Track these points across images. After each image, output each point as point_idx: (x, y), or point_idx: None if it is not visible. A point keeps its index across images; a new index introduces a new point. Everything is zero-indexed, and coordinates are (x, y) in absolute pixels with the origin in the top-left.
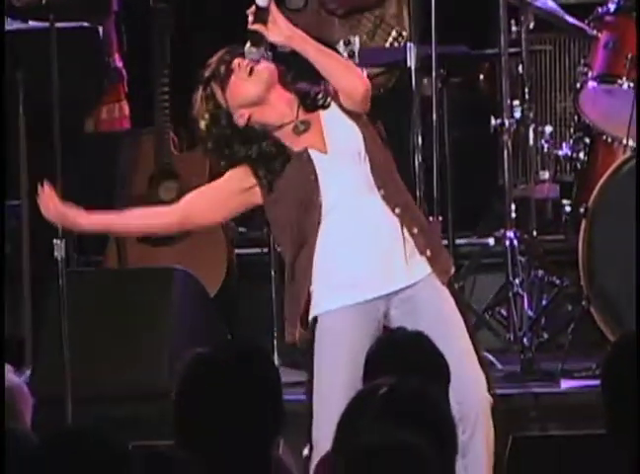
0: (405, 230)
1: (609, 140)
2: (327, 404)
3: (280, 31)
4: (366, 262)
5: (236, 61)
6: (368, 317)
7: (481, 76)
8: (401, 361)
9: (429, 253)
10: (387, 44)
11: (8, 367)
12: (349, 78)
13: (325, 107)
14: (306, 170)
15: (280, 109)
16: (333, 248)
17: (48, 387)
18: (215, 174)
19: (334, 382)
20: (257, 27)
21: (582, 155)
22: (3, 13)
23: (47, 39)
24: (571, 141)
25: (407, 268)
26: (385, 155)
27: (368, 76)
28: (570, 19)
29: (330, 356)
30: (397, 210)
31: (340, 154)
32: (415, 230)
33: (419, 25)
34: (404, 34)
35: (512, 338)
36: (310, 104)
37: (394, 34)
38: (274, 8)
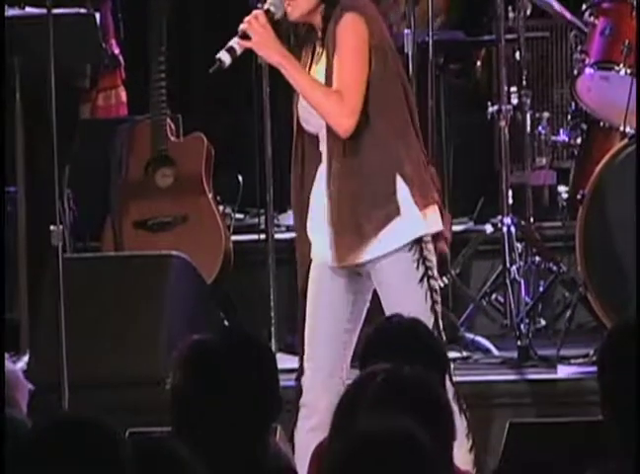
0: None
1: (607, 127)
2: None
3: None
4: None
5: None
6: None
7: (478, 63)
8: (397, 348)
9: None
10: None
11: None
12: (331, 121)
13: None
14: None
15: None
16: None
17: (45, 373)
18: (211, 160)
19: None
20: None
21: (579, 142)
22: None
23: (44, 24)
24: (568, 128)
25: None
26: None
27: None
28: (557, 7)
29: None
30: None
31: None
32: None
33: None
34: (441, 15)
35: (508, 324)
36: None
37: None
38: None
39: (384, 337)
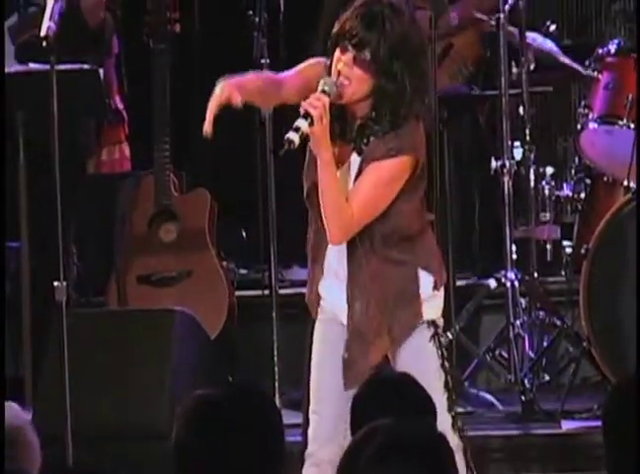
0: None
1: (610, 181)
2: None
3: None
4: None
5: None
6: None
7: (481, 117)
8: (389, 401)
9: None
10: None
11: (15, 406)
12: (329, 227)
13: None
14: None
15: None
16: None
17: (49, 427)
18: (214, 215)
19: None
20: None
21: (583, 196)
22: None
23: (48, 80)
24: (572, 182)
25: None
26: None
27: None
28: (565, 59)
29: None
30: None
31: None
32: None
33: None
34: (470, 66)
35: (512, 379)
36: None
37: (461, 63)
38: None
39: (376, 390)
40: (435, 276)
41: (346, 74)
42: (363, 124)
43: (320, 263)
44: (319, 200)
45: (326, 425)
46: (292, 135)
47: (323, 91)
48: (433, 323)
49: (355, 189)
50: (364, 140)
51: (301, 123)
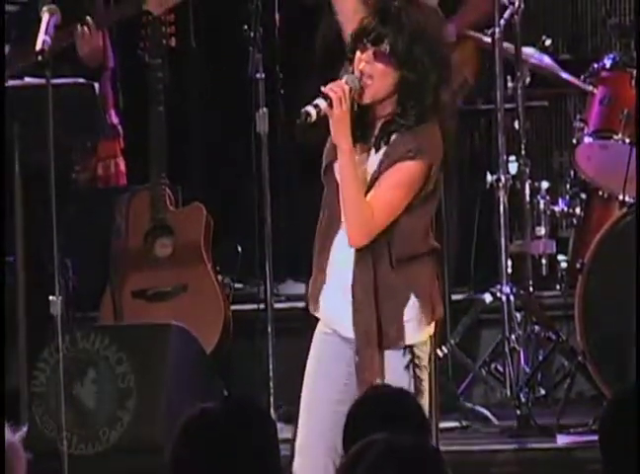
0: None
1: (606, 196)
2: None
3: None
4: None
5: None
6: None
7: (477, 131)
8: (383, 416)
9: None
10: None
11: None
12: (348, 227)
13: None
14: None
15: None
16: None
17: (45, 442)
18: (210, 230)
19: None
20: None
21: (578, 211)
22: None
23: (43, 94)
24: (567, 197)
25: None
26: None
27: None
28: (565, 75)
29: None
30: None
31: None
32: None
33: None
34: (469, 80)
35: (508, 393)
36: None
37: (460, 79)
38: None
39: (371, 405)
40: (424, 309)
41: (368, 72)
42: (388, 121)
43: (325, 257)
44: (336, 178)
45: (312, 437)
46: (310, 109)
47: (346, 83)
48: (410, 349)
49: (374, 190)
50: (385, 138)
51: (320, 102)
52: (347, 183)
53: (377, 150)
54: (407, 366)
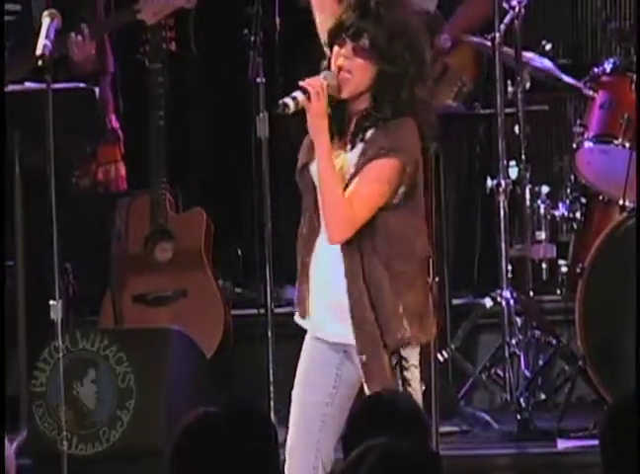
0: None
1: (606, 200)
2: None
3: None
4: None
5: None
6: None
7: (477, 136)
8: (386, 421)
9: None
10: (452, 94)
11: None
12: (327, 223)
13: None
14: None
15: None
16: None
17: (45, 446)
18: (210, 234)
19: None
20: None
21: (578, 215)
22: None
23: (43, 99)
24: (567, 201)
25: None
26: None
27: None
28: (566, 78)
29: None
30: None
31: None
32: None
33: None
34: (468, 84)
35: (508, 398)
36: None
37: (459, 83)
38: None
39: (373, 409)
40: (411, 326)
41: (347, 67)
42: (364, 116)
43: (308, 262)
44: (312, 179)
45: (302, 440)
46: (288, 100)
47: (324, 78)
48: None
49: (351, 186)
50: (361, 135)
51: (298, 94)
52: (325, 178)
53: (353, 146)
54: (393, 368)
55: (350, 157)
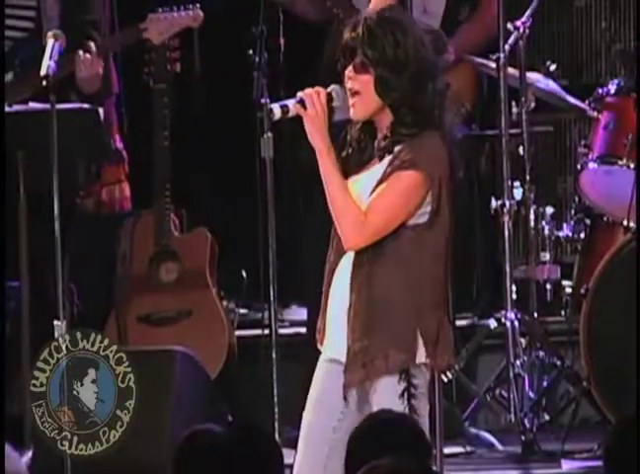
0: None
1: (610, 221)
2: None
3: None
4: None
5: None
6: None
7: (482, 157)
8: (386, 440)
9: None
10: None
11: (12, 452)
12: (341, 228)
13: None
14: None
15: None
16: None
17: (49, 466)
18: (215, 255)
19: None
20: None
21: (582, 236)
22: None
23: (48, 119)
24: (572, 222)
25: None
26: None
27: None
28: (571, 99)
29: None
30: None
31: None
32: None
33: None
34: (467, 106)
35: (512, 419)
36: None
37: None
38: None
39: (373, 429)
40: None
41: (355, 88)
42: (391, 130)
43: (330, 288)
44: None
45: (309, 465)
46: (274, 106)
47: (329, 93)
48: (406, 376)
49: (372, 195)
50: (388, 149)
51: (290, 102)
52: (329, 181)
53: (381, 160)
54: (402, 395)
55: (378, 169)
